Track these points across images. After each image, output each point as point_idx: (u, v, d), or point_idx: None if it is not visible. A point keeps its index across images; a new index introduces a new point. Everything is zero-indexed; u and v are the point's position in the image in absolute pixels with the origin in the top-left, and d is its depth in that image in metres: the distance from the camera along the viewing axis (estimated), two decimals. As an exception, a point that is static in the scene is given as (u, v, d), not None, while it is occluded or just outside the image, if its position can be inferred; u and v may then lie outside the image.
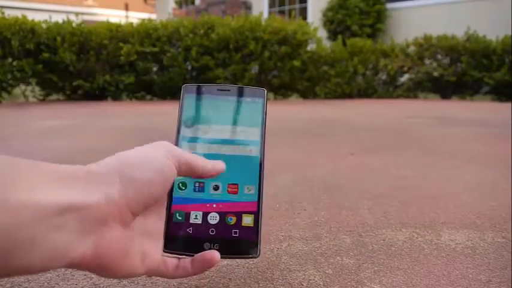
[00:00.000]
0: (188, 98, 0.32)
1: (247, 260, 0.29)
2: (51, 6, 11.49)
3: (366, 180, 0.85)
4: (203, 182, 0.29)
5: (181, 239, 0.28)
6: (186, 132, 0.31)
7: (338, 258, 0.48)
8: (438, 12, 5.52)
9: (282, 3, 7.27)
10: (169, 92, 3.75)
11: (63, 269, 0.44)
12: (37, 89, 3.65)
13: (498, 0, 4.93)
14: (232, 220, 0.29)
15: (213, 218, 0.29)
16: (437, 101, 3.71)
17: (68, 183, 0.22)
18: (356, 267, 0.45)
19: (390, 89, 4.16)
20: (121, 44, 3.54)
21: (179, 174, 0.28)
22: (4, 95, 3.43)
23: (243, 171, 0.30)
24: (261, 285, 0.40)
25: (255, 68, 3.81)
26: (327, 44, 4.32)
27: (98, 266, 0.24)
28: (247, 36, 3.63)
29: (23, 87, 3.60)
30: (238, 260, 0.46)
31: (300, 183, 0.83)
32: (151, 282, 0.41)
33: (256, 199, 0.30)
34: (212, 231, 0.28)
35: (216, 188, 0.30)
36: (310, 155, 1.15)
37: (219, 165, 0.29)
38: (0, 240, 0.19)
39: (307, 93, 3.98)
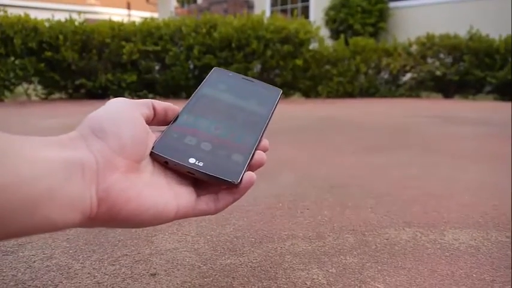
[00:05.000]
0: (213, 76, 0.36)
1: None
2: (54, 5, 11.50)
3: (369, 180, 0.85)
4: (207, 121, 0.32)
5: (170, 147, 0.29)
6: (200, 95, 0.35)
7: (341, 257, 0.48)
8: (441, 11, 5.50)
9: (284, 2, 7.26)
10: (171, 91, 3.75)
11: (66, 268, 0.44)
12: (39, 87, 3.65)
13: (501, -1, 4.91)
14: (223, 153, 0.30)
15: (206, 146, 0.30)
16: (440, 100, 3.70)
17: (60, 146, 0.24)
18: (359, 267, 0.45)
19: (392, 88, 4.15)
20: (123, 43, 3.54)
21: (154, 116, 0.30)
22: (6, 93, 3.44)
23: (246, 124, 0.33)
24: (264, 284, 0.40)
25: (257, 67, 3.80)
26: (329, 42, 4.30)
27: (109, 211, 0.25)
28: (249, 35, 3.63)
29: (25, 85, 3.61)
30: (239, 257, 0.46)
31: (303, 182, 0.83)
32: (155, 281, 0.41)
33: (252, 146, 0.31)
34: (202, 152, 0.30)
35: (218, 128, 0.32)
36: (313, 154, 1.15)
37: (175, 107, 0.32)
38: (24, 192, 0.21)
39: (310, 92, 3.97)
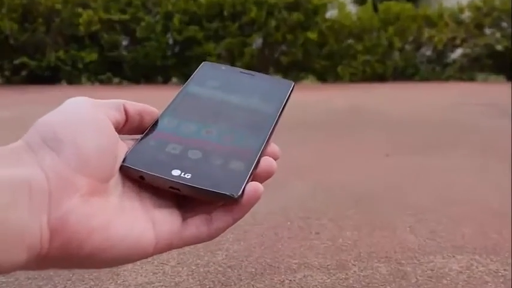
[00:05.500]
0: (202, 71, 0.37)
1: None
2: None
3: (406, 190, 0.85)
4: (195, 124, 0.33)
5: (147, 158, 0.30)
6: (186, 96, 0.35)
7: (371, 293, 0.48)
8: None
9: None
10: (143, 73, 3.75)
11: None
12: (-33, 69, 3.66)
13: None
14: (218, 161, 0.30)
15: (195, 154, 0.31)
16: (501, 84, 3.70)
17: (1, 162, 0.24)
18: (395, 306, 0.45)
19: (437, 69, 4.15)
20: (79, 10, 3.54)
21: (125, 121, 0.31)
22: None
23: (248, 126, 0.34)
24: (268, 329, 0.40)
25: (257, 42, 3.80)
26: (352, 9, 4.31)
27: (66, 246, 0.25)
28: (246, -1, 3.63)
29: None
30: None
31: (319, 193, 0.83)
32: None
33: (256, 150, 0.31)
34: (189, 162, 0.30)
35: (209, 132, 0.32)
36: (332, 156, 1.15)
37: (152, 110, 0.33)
38: None
39: (327, 75, 3.97)
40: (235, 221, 0.30)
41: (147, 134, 0.32)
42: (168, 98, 0.36)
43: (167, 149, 0.31)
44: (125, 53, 3.73)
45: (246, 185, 0.29)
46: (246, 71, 0.38)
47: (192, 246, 0.58)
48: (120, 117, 0.30)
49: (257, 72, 0.38)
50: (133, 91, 3.14)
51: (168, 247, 0.29)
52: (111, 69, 3.76)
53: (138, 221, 0.27)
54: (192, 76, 0.37)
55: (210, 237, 0.30)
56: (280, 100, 0.36)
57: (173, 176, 0.28)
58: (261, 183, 0.31)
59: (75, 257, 0.25)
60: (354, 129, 1.59)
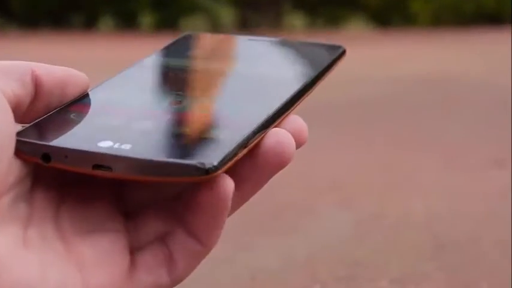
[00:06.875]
0: (181, 42, 0.43)
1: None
2: None
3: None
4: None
5: (60, 131, 0.32)
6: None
7: None
8: None
9: None
10: (47, 13, 3.76)
11: None
12: None
13: None
14: (183, 130, 0.34)
15: (143, 125, 0.33)
16: None
17: None
18: None
19: None
20: None
21: (34, 97, 0.32)
22: None
23: (251, 95, 0.38)
24: None
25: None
26: None
27: None
28: None
29: None
30: None
31: (373, 232, 0.83)
32: None
33: (256, 118, 0.34)
34: (130, 133, 0.32)
35: (177, 103, 0.36)
36: (395, 164, 1.15)
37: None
38: None
39: (387, 15, 3.98)
40: (204, 250, 0.32)
41: (66, 106, 0.34)
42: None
43: (97, 121, 0.34)
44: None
45: (229, 154, 0.31)
46: (264, 37, 0.44)
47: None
48: (23, 90, 0.32)
49: (288, 39, 0.42)
50: (29, 44, 3.13)
51: None
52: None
53: (53, 264, 0.29)
54: (164, 47, 0.42)
55: (175, 280, 0.32)
56: (315, 64, 0.40)
57: (100, 147, 0.30)
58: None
59: None
60: (436, 114, 1.59)
